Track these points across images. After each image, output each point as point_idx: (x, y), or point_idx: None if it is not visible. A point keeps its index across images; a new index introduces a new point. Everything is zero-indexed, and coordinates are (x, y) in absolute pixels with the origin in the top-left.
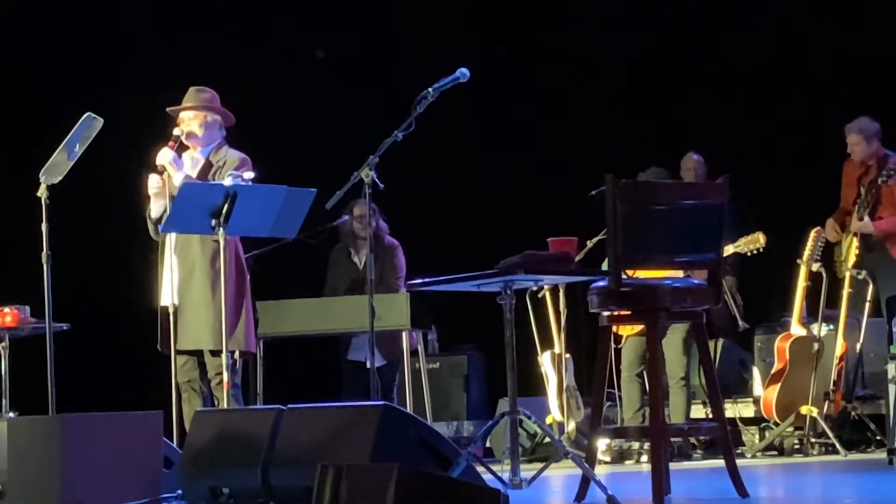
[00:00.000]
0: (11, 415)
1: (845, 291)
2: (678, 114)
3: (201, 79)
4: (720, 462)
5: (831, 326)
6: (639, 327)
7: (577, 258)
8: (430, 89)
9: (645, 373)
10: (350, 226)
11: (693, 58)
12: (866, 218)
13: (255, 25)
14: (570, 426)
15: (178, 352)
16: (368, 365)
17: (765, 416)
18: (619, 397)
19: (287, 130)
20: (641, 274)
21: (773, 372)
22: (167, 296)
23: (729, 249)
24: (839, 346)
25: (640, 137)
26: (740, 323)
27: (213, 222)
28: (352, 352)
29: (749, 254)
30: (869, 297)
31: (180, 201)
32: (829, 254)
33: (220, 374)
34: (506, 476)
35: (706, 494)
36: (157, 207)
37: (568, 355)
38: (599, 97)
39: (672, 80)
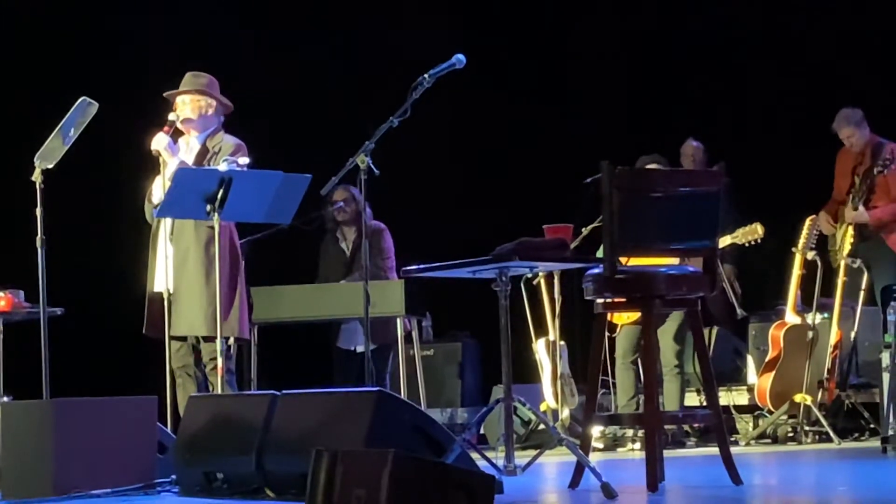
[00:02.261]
0: (5, 399)
1: (840, 280)
2: (676, 101)
3: (197, 63)
4: (714, 450)
5: (826, 315)
6: (635, 315)
7: (573, 245)
8: (425, 75)
9: (639, 360)
10: (332, 212)
11: (692, 45)
12: (861, 207)
13: (250, 11)
14: (565, 413)
15: (173, 337)
16: (360, 350)
17: (759, 404)
18: (613, 384)
19: (282, 116)
20: (636, 261)
21: (767, 360)
22: (161, 281)
23: (727, 240)
24: (833, 335)
25: (638, 124)
26: (738, 311)
27: (208, 208)
28: (341, 340)
29: (747, 244)
30: (863, 286)
31: (175, 186)
32: (823, 242)
33: (215, 359)
34: (500, 463)
35: (700, 482)
36: (158, 191)
37: (562, 342)
38: (597, 83)
39: (670, 66)
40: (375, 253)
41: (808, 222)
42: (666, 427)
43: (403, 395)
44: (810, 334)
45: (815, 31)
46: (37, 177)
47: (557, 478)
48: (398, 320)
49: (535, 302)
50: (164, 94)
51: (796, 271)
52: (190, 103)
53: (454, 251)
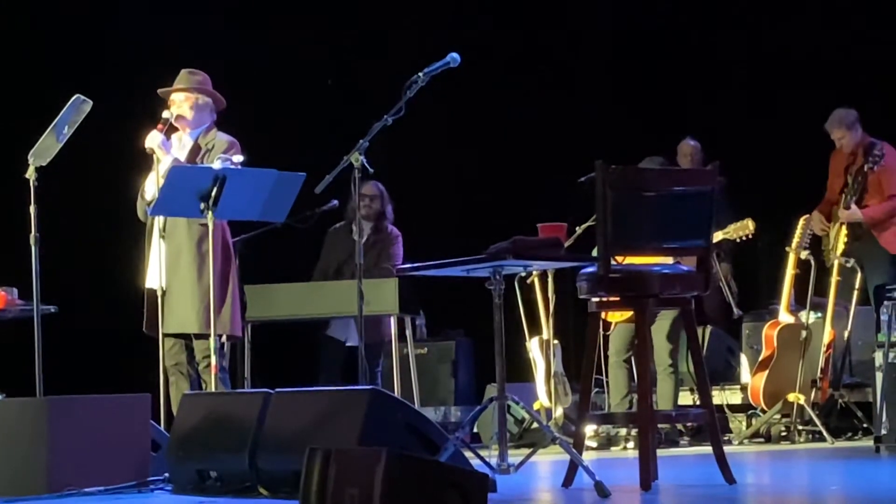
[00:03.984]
0: None
1: (833, 279)
2: (671, 100)
3: (191, 61)
4: (707, 449)
5: (819, 314)
6: (628, 313)
7: (567, 244)
8: (420, 74)
9: (633, 359)
10: (356, 204)
11: (689, 42)
12: (853, 206)
13: (245, 7)
14: (558, 412)
15: (166, 335)
16: (348, 343)
17: (752, 404)
18: (607, 383)
19: (277, 114)
20: (630, 260)
21: (760, 359)
22: (154, 278)
23: (718, 236)
24: (827, 334)
25: (633, 123)
26: (735, 310)
27: (202, 206)
28: (331, 329)
29: (738, 240)
30: (857, 285)
31: (169, 184)
32: (817, 242)
33: (208, 357)
34: (493, 461)
35: (693, 481)
36: (151, 188)
37: (556, 341)
38: (592, 82)
39: (666, 65)
40: (385, 256)
41: (801, 222)
42: (659, 426)
43: (397, 393)
44: (804, 333)
45: (813, 29)
46: (31, 174)
47: (551, 476)
48: (392, 319)
49: (528, 301)
50: (159, 92)
51: (790, 270)
52: (185, 100)
53: (448, 249)
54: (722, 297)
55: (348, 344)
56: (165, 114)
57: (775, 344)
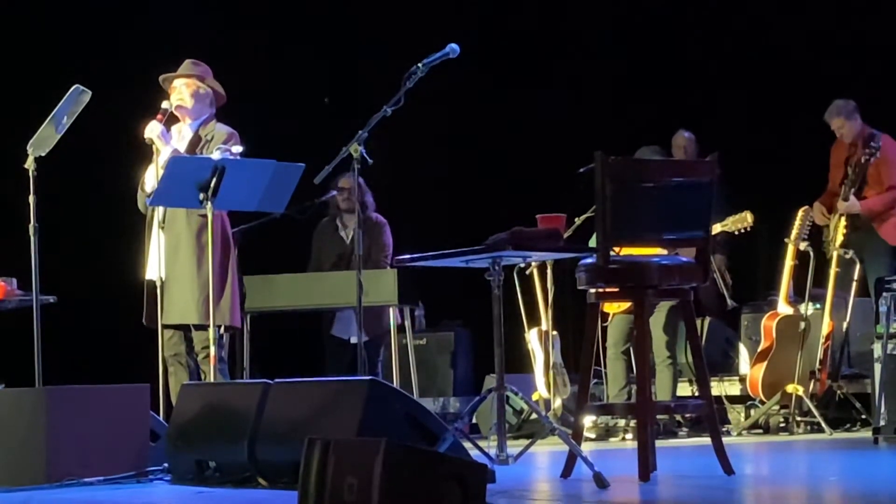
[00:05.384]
0: None
1: (832, 271)
2: (669, 91)
3: (192, 53)
4: (706, 440)
5: (818, 305)
6: (625, 305)
7: (566, 235)
8: (419, 64)
9: (631, 350)
10: (336, 199)
11: (686, 34)
12: (852, 198)
13: (246, 4)
14: (557, 403)
15: (165, 326)
16: (353, 340)
17: (751, 395)
18: (605, 374)
19: (276, 105)
20: (629, 251)
21: (759, 350)
22: (153, 269)
23: (716, 228)
24: (826, 326)
25: (632, 113)
26: (729, 302)
27: (201, 196)
28: (335, 328)
29: (737, 233)
30: (856, 277)
31: (168, 175)
32: (816, 233)
33: (207, 347)
34: (492, 452)
35: (692, 472)
36: (151, 179)
37: (555, 332)
38: (589, 73)
39: (664, 57)
40: (376, 247)
41: (800, 213)
42: (658, 417)
43: (396, 384)
44: (802, 325)
45: (812, 21)
46: (30, 164)
47: (549, 467)
48: (391, 310)
49: (527, 291)
50: (161, 78)
51: (789, 262)
52: (186, 87)
53: (447, 240)
54: (717, 289)
55: (353, 341)
56: (165, 104)
57: (774, 335)
